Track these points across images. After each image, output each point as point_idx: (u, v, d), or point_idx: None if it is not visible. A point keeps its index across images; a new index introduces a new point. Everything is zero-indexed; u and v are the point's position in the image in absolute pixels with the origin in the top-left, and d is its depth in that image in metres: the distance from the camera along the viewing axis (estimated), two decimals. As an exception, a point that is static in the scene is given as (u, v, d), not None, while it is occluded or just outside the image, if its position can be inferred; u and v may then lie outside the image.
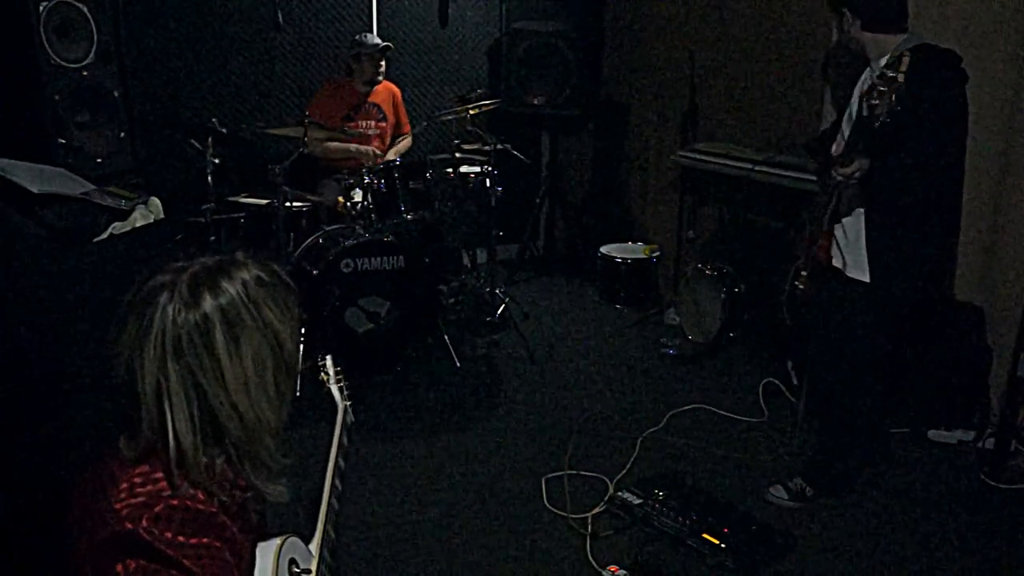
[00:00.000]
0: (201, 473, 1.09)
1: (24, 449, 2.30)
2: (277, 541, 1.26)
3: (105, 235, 3.04)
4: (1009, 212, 3.07)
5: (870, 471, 2.92)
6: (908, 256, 2.48)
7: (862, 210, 2.50)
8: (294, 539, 1.32)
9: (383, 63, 4.44)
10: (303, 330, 1.17)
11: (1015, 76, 3.00)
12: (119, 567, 1.01)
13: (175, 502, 1.05)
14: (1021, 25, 2.99)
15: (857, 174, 2.33)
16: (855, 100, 2.56)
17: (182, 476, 1.07)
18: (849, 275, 2.57)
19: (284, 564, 1.26)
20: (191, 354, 1.07)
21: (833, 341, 2.68)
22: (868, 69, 2.56)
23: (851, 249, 2.56)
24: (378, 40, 4.39)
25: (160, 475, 1.07)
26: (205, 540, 1.06)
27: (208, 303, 1.09)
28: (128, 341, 1.09)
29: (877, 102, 2.10)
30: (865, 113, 2.17)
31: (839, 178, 2.37)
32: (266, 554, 1.24)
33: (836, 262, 2.64)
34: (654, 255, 4.78)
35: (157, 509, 1.04)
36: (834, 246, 2.64)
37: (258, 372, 1.12)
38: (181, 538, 1.04)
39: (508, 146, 4.32)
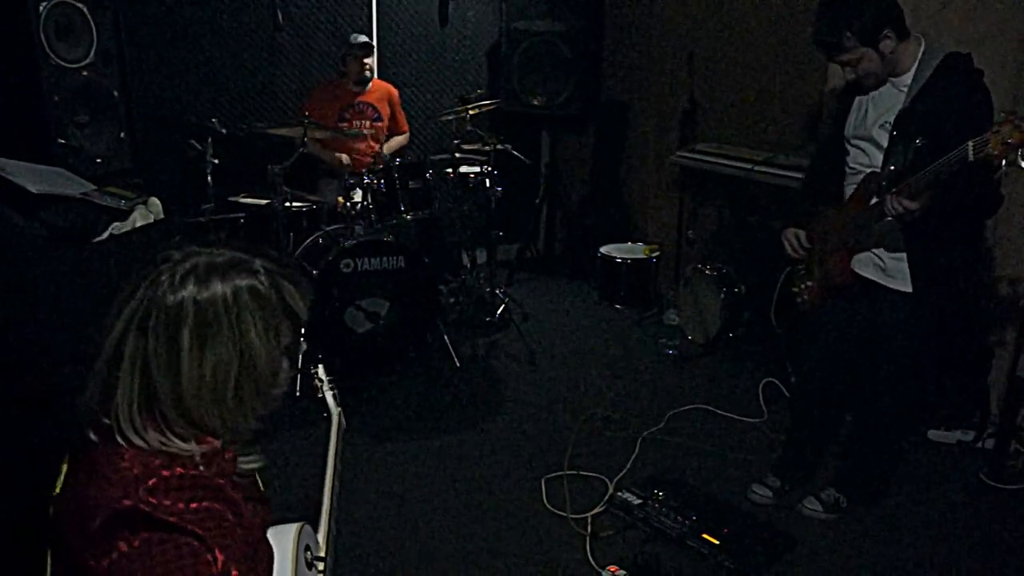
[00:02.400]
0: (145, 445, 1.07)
1: (21, 451, 2.30)
2: (296, 525, 1.30)
3: (105, 235, 3.03)
4: (1008, 213, 3.07)
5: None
6: (950, 266, 2.43)
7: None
8: (308, 527, 1.36)
9: (368, 60, 4.42)
10: (296, 352, 1.12)
11: (1015, 77, 3.00)
12: (122, 546, 1.00)
13: (167, 472, 1.05)
14: (1021, 25, 2.99)
15: (917, 212, 2.19)
16: (874, 123, 2.41)
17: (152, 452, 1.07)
18: (889, 287, 2.47)
19: (301, 548, 1.29)
20: (152, 335, 1.06)
21: (870, 352, 2.60)
22: (888, 87, 2.39)
23: (890, 260, 2.46)
24: (361, 38, 4.38)
25: (150, 454, 1.06)
26: (205, 504, 1.05)
27: (188, 292, 1.07)
28: (117, 303, 1.09)
29: (1009, 144, 1.91)
30: (980, 153, 1.97)
31: (900, 210, 2.18)
32: (286, 536, 1.27)
33: (870, 274, 2.52)
34: (654, 255, 4.77)
35: (151, 482, 1.03)
36: (866, 258, 2.52)
37: (217, 380, 1.08)
38: (181, 504, 1.03)
39: (508, 146, 4.33)
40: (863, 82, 2.40)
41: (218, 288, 1.08)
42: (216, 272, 1.10)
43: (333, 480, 1.60)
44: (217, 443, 1.13)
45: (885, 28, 2.26)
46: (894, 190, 2.23)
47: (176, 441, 1.08)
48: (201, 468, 1.08)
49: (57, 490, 1.12)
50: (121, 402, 1.07)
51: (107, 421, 1.07)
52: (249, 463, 1.19)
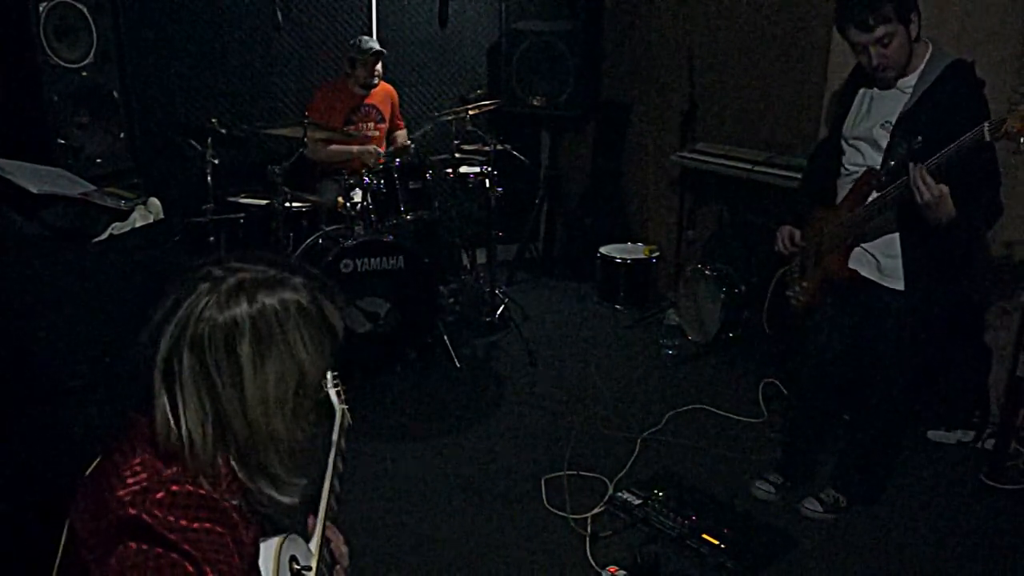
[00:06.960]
0: (205, 467, 1.10)
1: (21, 449, 2.30)
2: (277, 539, 1.28)
3: (105, 235, 3.03)
4: (1007, 212, 3.07)
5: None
6: (943, 264, 2.43)
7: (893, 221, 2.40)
8: (294, 536, 1.34)
9: (378, 67, 4.43)
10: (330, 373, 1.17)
11: (1014, 77, 3.00)
12: (120, 549, 1.02)
13: (176, 487, 1.06)
14: (1021, 25, 2.99)
15: (933, 202, 2.17)
16: (875, 124, 2.42)
17: (182, 465, 1.08)
18: (884, 285, 2.48)
19: (285, 561, 1.27)
20: (210, 353, 1.08)
21: (867, 351, 2.61)
22: (896, 89, 2.39)
23: (885, 259, 2.47)
24: (373, 44, 4.37)
25: (162, 463, 1.08)
26: (208, 525, 1.07)
27: (242, 310, 1.09)
28: (158, 317, 1.10)
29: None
30: (998, 132, 2.01)
31: (923, 190, 2.15)
32: (267, 551, 1.24)
33: (866, 273, 2.53)
34: (654, 255, 4.77)
35: (159, 495, 1.05)
36: (862, 256, 2.53)
37: (279, 391, 1.12)
38: (184, 522, 1.05)
39: (508, 146, 4.32)
40: (885, 71, 2.35)
41: (267, 303, 1.11)
42: (263, 288, 1.12)
43: (332, 481, 1.59)
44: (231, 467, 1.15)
45: (914, 10, 2.30)
46: (917, 166, 2.17)
47: (235, 470, 1.12)
48: (210, 488, 1.10)
49: (87, 473, 1.15)
50: (190, 419, 1.09)
51: (176, 442, 1.08)
52: (275, 500, 1.19)
